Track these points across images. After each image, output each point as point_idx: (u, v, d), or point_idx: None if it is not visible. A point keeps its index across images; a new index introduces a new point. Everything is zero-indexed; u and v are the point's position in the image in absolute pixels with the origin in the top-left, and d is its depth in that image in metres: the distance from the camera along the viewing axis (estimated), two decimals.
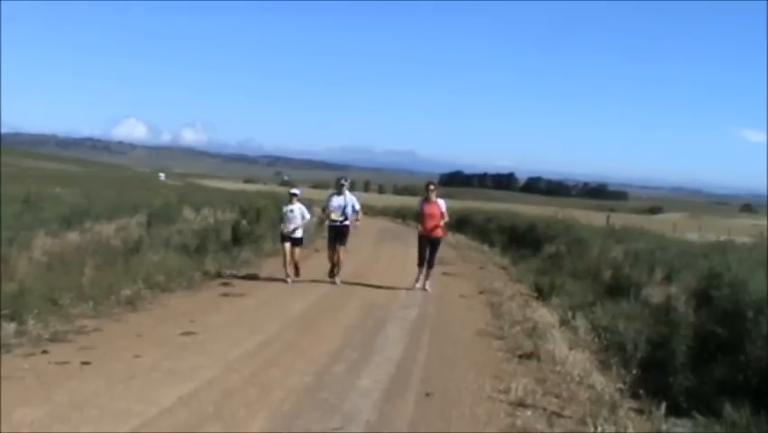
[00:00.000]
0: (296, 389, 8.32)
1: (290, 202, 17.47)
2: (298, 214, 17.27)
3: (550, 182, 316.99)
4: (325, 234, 18.61)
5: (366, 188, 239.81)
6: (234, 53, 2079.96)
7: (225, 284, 15.80)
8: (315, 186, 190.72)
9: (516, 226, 31.93)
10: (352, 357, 10.07)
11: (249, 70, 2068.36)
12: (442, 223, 16.94)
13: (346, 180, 17.50)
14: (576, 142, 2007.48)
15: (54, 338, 9.91)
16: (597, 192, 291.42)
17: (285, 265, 17.15)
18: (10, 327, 9.84)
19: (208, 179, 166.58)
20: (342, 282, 17.14)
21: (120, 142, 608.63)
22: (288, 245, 17.20)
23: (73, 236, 15.89)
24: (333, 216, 17.09)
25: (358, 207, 17.30)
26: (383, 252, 26.99)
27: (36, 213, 16.67)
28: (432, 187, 16.92)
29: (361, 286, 17.01)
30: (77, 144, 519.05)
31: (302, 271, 17.59)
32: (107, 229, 17.66)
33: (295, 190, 17.92)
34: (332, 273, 17.28)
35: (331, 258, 17.31)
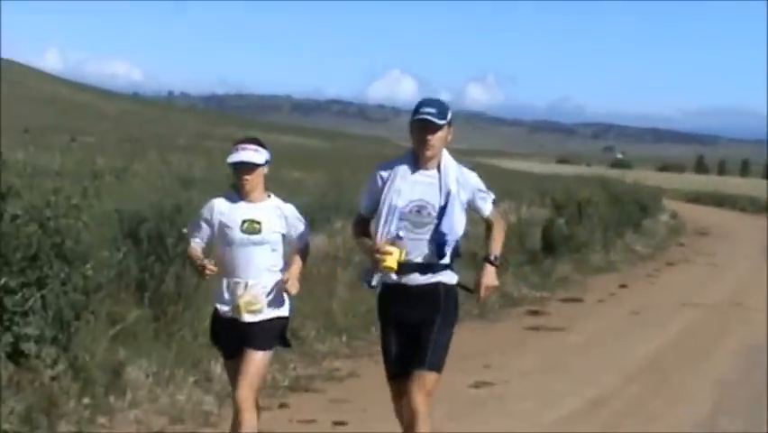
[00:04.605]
0: None
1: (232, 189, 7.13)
2: (270, 238, 7.01)
3: None
4: None
5: (742, 170, 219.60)
6: None
7: (534, 312, 15.92)
8: (663, 168, 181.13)
9: None
10: (730, 428, 9.80)
11: (557, 7, 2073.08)
12: None
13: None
14: None
15: (295, 386, 10.36)
16: None
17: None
18: None
19: (506, 157, 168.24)
20: None
21: (380, 106, 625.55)
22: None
23: (318, 241, 16.21)
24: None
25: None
26: None
27: None
28: None
29: None
30: (321, 109, 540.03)
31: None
32: None
33: (247, 156, 6.87)
34: None
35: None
